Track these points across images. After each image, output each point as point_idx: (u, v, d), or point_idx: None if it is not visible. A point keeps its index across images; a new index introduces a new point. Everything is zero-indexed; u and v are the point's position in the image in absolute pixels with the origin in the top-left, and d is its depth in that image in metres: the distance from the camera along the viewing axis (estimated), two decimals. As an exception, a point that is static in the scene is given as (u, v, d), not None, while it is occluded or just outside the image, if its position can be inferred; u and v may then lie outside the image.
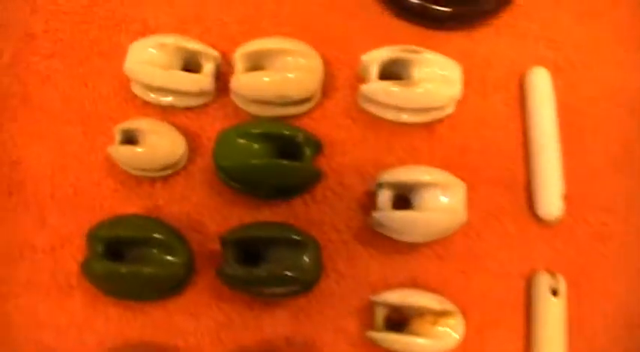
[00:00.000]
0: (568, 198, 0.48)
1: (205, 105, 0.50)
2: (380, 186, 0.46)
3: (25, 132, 0.49)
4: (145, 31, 0.52)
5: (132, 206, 0.48)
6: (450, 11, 0.51)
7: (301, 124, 0.49)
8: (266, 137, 0.46)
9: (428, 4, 0.51)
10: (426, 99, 0.47)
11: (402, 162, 0.49)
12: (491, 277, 0.47)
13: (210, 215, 0.48)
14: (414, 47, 0.48)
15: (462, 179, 0.47)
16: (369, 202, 0.48)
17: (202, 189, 0.48)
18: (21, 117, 0.50)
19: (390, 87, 0.47)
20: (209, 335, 0.45)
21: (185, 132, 0.49)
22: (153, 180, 0.48)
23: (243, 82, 0.47)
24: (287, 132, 0.46)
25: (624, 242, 0.49)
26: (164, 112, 0.49)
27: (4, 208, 0.48)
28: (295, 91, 0.47)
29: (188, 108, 0.50)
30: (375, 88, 0.47)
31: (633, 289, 0.48)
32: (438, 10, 0.51)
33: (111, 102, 0.50)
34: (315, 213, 0.48)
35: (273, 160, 0.45)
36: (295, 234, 0.44)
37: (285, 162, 0.45)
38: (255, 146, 0.46)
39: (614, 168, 0.50)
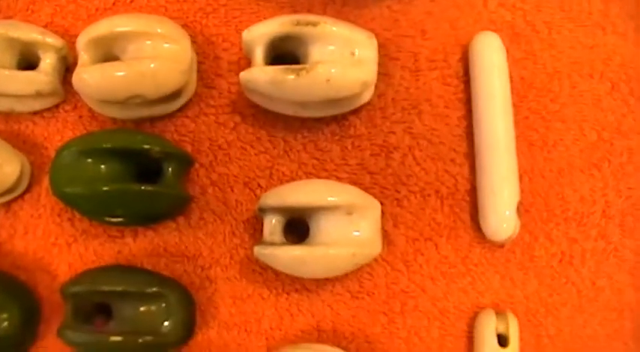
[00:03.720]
0: (525, 208, 0.37)
1: (56, 108, 0.39)
2: (263, 211, 0.35)
3: None
4: (-17, 14, 0.41)
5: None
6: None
7: (175, 126, 0.38)
8: (117, 153, 0.35)
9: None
10: (328, 88, 0.35)
11: (305, 170, 0.38)
12: (423, 318, 0.36)
13: (61, 251, 0.37)
14: (310, 17, 0.35)
15: (385, 188, 0.36)
16: (260, 225, 0.37)
17: (51, 217, 0.38)
18: None
19: (277, 75, 0.34)
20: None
21: (31, 144, 0.38)
22: (-11, 208, 0.38)
23: (84, 78, 0.35)
24: (137, 147, 0.35)
25: (600, 265, 0.37)
26: (6, 119, 0.39)
27: None
28: (153, 88, 0.36)
29: (36, 112, 0.39)
30: (257, 76, 0.35)
31: (614, 331, 0.37)
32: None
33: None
34: (191, 242, 0.37)
35: (123, 185, 0.34)
36: (152, 286, 0.34)
37: (139, 187, 0.34)
38: (103, 167, 0.35)
39: (589, 166, 0.38)
